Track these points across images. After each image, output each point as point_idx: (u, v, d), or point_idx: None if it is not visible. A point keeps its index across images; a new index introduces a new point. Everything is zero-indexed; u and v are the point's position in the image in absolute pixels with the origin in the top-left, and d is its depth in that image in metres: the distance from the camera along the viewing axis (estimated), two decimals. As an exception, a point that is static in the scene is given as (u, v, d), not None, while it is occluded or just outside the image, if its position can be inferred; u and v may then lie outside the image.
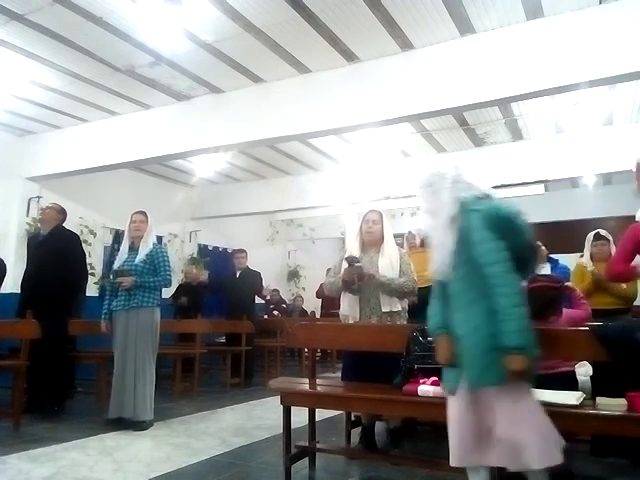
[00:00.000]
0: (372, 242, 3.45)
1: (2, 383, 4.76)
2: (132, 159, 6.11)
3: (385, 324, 3.29)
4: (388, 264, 3.35)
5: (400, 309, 3.35)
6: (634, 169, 3.01)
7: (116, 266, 4.24)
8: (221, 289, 7.18)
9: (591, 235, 4.38)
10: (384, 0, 4.04)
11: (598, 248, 4.29)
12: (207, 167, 7.85)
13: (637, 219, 2.93)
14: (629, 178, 7.00)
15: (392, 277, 3.31)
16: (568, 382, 2.79)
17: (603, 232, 4.37)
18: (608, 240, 4.31)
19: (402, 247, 4.22)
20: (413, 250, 4.44)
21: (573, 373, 2.97)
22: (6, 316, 4.84)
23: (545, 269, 4.87)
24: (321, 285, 10.34)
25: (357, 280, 3.25)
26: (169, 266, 4.32)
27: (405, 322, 3.38)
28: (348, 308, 3.37)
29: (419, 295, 3.70)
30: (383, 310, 3.30)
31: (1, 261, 4.86)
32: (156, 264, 4.23)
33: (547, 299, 2.98)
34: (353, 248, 3.48)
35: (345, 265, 3.34)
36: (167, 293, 7.03)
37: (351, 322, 3.35)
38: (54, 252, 4.60)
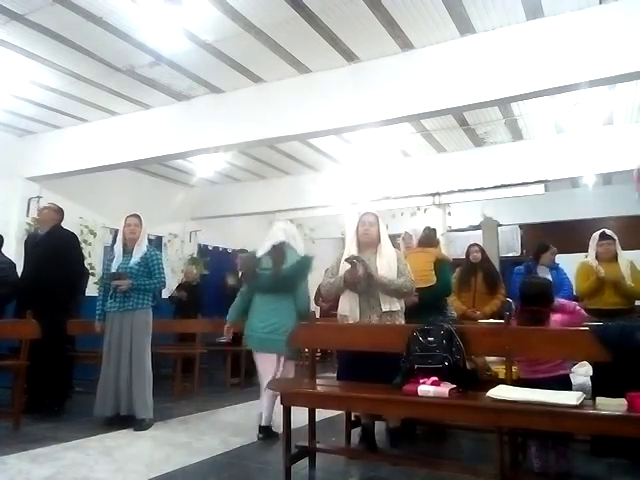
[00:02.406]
0: (369, 243, 3.47)
1: (2, 383, 4.76)
2: (132, 159, 6.12)
3: (385, 324, 3.29)
4: (386, 265, 3.36)
5: (399, 308, 3.36)
6: (635, 173, 3.00)
7: (113, 269, 4.25)
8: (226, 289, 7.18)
9: (597, 235, 4.37)
10: (384, 0, 4.05)
11: (604, 247, 4.28)
12: (207, 167, 7.85)
13: None
14: (629, 178, 7.01)
15: (392, 278, 3.32)
16: (563, 384, 2.78)
17: (609, 232, 4.36)
18: (614, 240, 4.30)
19: (399, 248, 4.24)
20: (410, 250, 4.42)
21: (567, 376, 2.96)
22: (5, 316, 4.84)
23: (546, 273, 4.85)
24: (318, 291, 10.29)
25: (362, 279, 3.25)
26: (163, 268, 4.36)
27: (403, 321, 3.39)
28: (348, 309, 3.37)
29: (419, 295, 3.70)
30: (383, 309, 3.30)
31: (10, 261, 4.85)
32: (150, 267, 4.27)
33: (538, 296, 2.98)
34: (350, 250, 3.49)
35: (345, 266, 3.34)
36: (166, 292, 7.06)
37: (351, 322, 3.35)
38: (51, 252, 4.59)
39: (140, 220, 4.35)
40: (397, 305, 3.35)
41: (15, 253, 6.01)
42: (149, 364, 4.21)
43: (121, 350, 4.12)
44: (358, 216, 3.64)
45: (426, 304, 3.71)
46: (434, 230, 4.75)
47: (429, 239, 4.56)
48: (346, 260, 3.32)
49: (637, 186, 3.02)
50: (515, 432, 2.84)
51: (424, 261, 4.12)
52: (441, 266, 4.26)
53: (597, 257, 4.29)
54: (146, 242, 4.39)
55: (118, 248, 4.35)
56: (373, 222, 3.50)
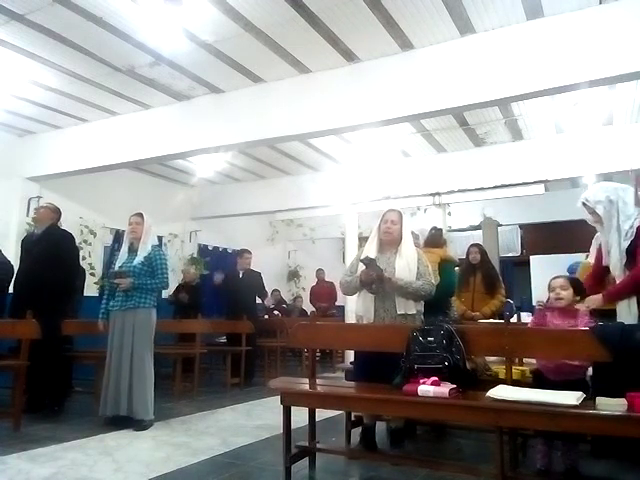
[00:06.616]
0: (390, 242, 3.39)
1: (2, 383, 4.76)
2: (132, 159, 6.12)
3: (385, 324, 3.28)
4: (405, 265, 3.29)
5: (415, 312, 3.29)
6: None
7: (117, 267, 4.26)
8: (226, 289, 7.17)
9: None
10: (384, 0, 4.05)
11: None
12: (207, 167, 7.86)
13: None
14: (629, 178, 6.98)
15: (409, 280, 3.25)
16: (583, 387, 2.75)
17: None
18: None
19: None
20: None
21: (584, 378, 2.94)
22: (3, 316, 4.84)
23: None
24: (312, 292, 10.30)
25: (376, 281, 3.21)
26: (166, 269, 4.34)
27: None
28: (363, 309, 3.33)
29: None
30: (398, 312, 3.25)
31: (8, 262, 4.85)
32: (154, 267, 4.26)
33: None
34: (370, 248, 3.42)
35: (362, 265, 3.30)
36: (165, 293, 7.06)
37: (365, 323, 3.32)
38: (47, 251, 4.58)
39: (142, 218, 4.33)
40: (413, 309, 3.28)
41: (15, 253, 6.01)
42: (150, 364, 4.19)
43: (123, 349, 4.12)
44: (381, 213, 3.51)
45: (429, 304, 3.69)
46: (440, 230, 4.75)
47: (435, 239, 4.56)
48: (360, 261, 3.29)
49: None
50: (515, 432, 2.84)
51: (429, 261, 4.11)
52: (445, 267, 4.24)
53: None
54: (153, 241, 4.36)
55: (124, 247, 4.36)
56: (396, 220, 3.39)
